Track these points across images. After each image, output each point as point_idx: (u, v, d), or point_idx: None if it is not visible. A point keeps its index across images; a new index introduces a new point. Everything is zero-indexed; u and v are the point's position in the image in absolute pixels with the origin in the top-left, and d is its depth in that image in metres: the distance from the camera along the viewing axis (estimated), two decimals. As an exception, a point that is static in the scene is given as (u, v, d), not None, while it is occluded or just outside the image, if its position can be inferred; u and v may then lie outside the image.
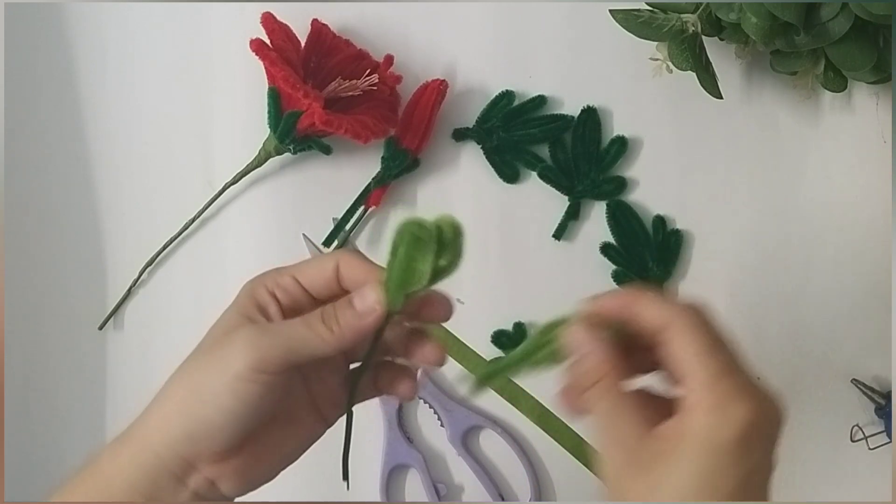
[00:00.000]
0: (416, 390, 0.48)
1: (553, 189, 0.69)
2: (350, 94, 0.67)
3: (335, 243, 0.70)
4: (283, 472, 0.71)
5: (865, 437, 0.67)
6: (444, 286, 0.70)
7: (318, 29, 0.69)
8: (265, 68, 0.65)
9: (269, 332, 0.43)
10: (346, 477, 0.47)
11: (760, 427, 0.39)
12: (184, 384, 0.44)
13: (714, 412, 0.38)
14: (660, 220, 0.69)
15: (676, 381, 0.41)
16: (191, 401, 0.43)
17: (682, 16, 0.61)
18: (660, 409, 0.41)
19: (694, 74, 0.62)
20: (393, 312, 0.44)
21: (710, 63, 0.63)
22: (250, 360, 0.42)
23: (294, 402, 0.46)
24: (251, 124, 0.69)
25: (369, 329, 0.44)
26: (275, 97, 0.66)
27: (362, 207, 0.70)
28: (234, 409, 0.42)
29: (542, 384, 0.69)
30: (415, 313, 0.45)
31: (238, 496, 0.45)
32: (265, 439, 0.45)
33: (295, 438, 0.47)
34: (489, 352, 0.70)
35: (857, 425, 0.68)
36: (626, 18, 0.62)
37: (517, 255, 0.70)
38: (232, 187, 0.69)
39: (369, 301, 0.43)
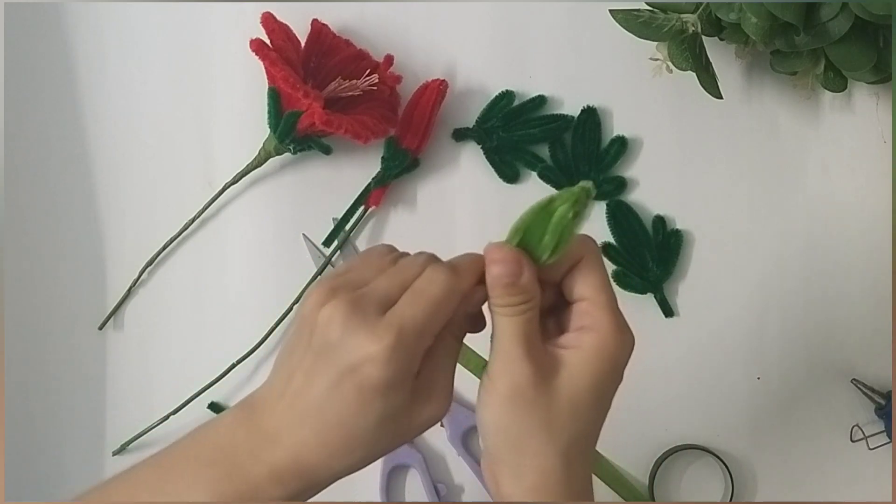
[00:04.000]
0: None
1: (553, 189, 0.69)
2: (350, 94, 0.67)
3: (335, 243, 0.70)
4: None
5: (865, 437, 0.67)
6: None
7: (318, 29, 0.69)
8: (265, 68, 0.65)
9: None
10: None
11: (630, 353, 0.46)
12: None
13: (616, 335, 0.45)
14: (660, 220, 0.69)
15: (578, 302, 0.46)
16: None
17: (682, 16, 0.61)
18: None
19: (694, 74, 0.62)
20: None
21: (710, 63, 0.63)
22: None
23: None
24: (251, 124, 0.69)
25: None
26: (275, 97, 0.66)
27: (362, 207, 0.70)
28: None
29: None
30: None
31: None
32: None
33: None
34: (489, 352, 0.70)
35: (857, 425, 0.68)
36: (626, 18, 0.62)
37: (517, 255, 0.70)
38: (232, 187, 0.69)
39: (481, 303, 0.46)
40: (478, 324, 0.48)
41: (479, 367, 0.69)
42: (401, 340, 0.42)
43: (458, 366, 0.71)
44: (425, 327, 0.43)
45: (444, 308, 0.44)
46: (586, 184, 0.43)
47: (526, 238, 0.45)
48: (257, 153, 0.68)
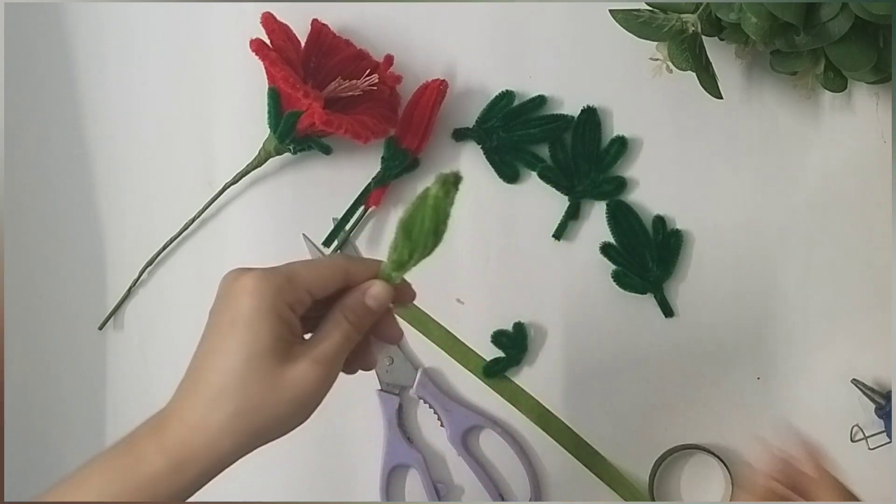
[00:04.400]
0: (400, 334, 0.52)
1: (553, 189, 0.69)
2: (350, 94, 0.67)
3: (335, 243, 0.70)
4: (283, 473, 0.71)
5: (865, 437, 0.67)
6: (444, 287, 0.71)
7: (318, 29, 0.69)
8: (265, 68, 0.65)
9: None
10: None
11: None
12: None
13: None
14: (660, 220, 0.69)
15: None
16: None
17: (682, 16, 0.61)
18: None
19: (694, 74, 0.62)
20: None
21: (710, 63, 0.63)
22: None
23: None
24: (251, 124, 0.69)
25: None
26: (275, 97, 0.66)
27: (362, 207, 0.70)
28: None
29: (542, 385, 0.70)
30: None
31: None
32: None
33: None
34: (489, 352, 0.70)
35: (857, 425, 0.68)
36: (626, 18, 0.62)
37: (517, 255, 0.70)
38: (232, 187, 0.69)
39: (381, 297, 0.48)
40: (393, 333, 0.51)
41: (479, 366, 0.69)
42: (271, 276, 0.45)
43: (458, 365, 0.72)
44: (302, 276, 0.46)
45: (325, 271, 0.47)
46: (455, 171, 0.47)
47: (410, 228, 0.47)
48: (257, 153, 0.68)
